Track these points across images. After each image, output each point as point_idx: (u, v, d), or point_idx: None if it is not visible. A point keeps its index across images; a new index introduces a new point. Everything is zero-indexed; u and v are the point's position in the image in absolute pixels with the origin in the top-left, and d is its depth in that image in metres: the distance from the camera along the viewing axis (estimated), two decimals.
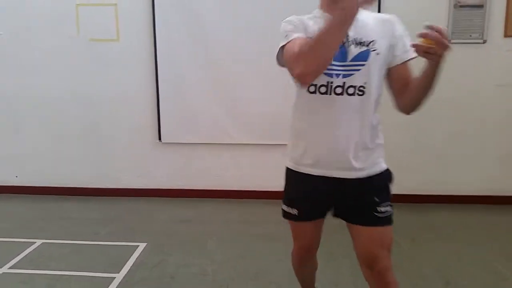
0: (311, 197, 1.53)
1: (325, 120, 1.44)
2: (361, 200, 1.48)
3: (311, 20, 1.44)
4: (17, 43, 3.76)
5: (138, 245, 2.84)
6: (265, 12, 3.51)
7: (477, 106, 3.61)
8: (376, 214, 1.47)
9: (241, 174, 3.89)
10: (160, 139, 3.83)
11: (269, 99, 3.62)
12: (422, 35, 1.20)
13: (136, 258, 2.64)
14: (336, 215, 1.57)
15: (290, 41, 1.37)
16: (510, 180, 3.74)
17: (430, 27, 1.20)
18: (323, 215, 1.60)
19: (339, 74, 1.38)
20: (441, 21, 3.47)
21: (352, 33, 1.38)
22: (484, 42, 3.48)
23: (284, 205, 1.60)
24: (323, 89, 1.41)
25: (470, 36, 3.48)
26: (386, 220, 1.50)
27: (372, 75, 1.40)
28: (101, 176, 3.98)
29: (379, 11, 3.45)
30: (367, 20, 1.43)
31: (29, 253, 2.72)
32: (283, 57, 1.42)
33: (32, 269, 2.50)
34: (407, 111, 1.53)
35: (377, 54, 1.40)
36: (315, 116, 1.46)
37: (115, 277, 2.39)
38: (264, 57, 3.62)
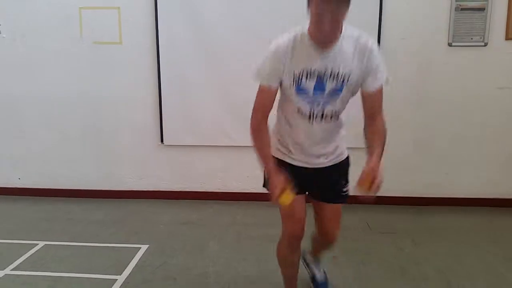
0: (296, 177, 1.71)
1: (306, 135, 1.75)
2: (332, 181, 1.85)
3: (298, 51, 1.60)
4: (20, 45, 3.77)
5: (140, 247, 2.84)
6: (268, 14, 3.52)
7: (478, 109, 3.62)
8: (342, 194, 1.86)
9: (244, 176, 3.89)
10: (162, 141, 3.84)
11: None
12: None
13: (138, 260, 2.65)
14: (309, 195, 1.89)
15: (260, 87, 1.69)
16: (511, 183, 3.74)
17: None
18: (305, 191, 1.85)
19: (319, 103, 1.66)
20: (442, 24, 3.48)
21: (330, 64, 1.59)
22: (485, 45, 3.48)
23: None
24: (306, 114, 1.70)
25: (471, 39, 3.48)
26: (347, 198, 1.89)
27: (344, 102, 1.71)
28: (103, 178, 3.99)
29: (380, 17, 3.46)
30: (346, 49, 1.59)
31: (31, 255, 2.72)
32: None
33: (34, 271, 2.51)
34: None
35: (351, 84, 1.64)
36: (299, 130, 1.76)
37: (117, 279, 2.39)
38: None
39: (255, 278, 2.44)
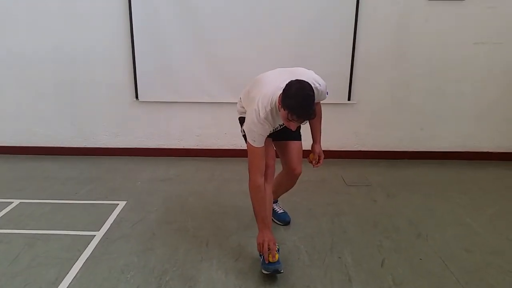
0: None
1: None
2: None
3: (273, 118, 1.95)
4: None
5: (118, 203, 2.84)
6: None
7: (454, 64, 3.64)
8: (299, 134, 2.29)
9: (222, 132, 3.88)
10: (137, 97, 3.75)
11: (249, 58, 3.56)
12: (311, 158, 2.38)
13: (117, 216, 2.66)
14: (275, 139, 2.24)
15: (255, 149, 1.99)
16: (484, 136, 3.85)
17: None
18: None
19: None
20: None
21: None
22: None
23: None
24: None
25: None
26: (300, 137, 2.32)
27: None
28: (78, 136, 3.92)
29: None
30: None
31: (6, 213, 2.69)
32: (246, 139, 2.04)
33: (10, 228, 2.48)
34: None
35: None
36: None
37: (95, 235, 2.40)
38: (246, 16, 3.54)
39: (234, 231, 2.49)
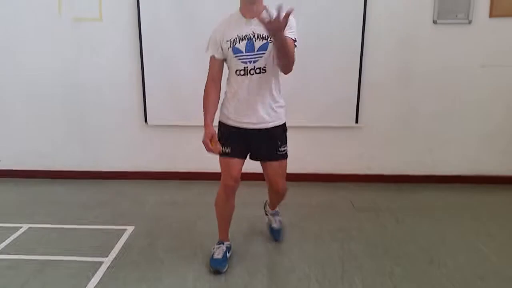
0: (237, 141, 2.22)
1: (245, 90, 2.15)
2: (269, 143, 2.23)
3: (231, 24, 2.13)
4: None
5: (126, 229, 2.83)
6: None
7: (461, 86, 3.65)
8: (278, 152, 2.25)
9: None
10: (146, 121, 3.79)
11: None
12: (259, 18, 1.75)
13: (125, 242, 2.64)
14: (252, 158, 2.30)
15: (210, 57, 2.25)
16: (493, 160, 3.82)
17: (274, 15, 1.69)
18: (244, 156, 2.28)
19: (251, 61, 2.10)
20: (427, 1, 3.47)
21: (257, 30, 2.06)
22: (470, 22, 3.48)
23: (223, 147, 2.23)
24: (242, 72, 2.13)
25: (456, 16, 3.48)
26: (285, 156, 2.29)
27: (269, 58, 2.09)
28: (87, 159, 3.94)
29: None
30: (266, 17, 1.99)
31: (15, 238, 2.69)
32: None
33: (19, 254, 2.48)
34: (282, 72, 2.11)
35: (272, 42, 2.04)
36: (239, 88, 2.17)
37: (103, 261, 2.39)
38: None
39: (243, 256, 2.46)
